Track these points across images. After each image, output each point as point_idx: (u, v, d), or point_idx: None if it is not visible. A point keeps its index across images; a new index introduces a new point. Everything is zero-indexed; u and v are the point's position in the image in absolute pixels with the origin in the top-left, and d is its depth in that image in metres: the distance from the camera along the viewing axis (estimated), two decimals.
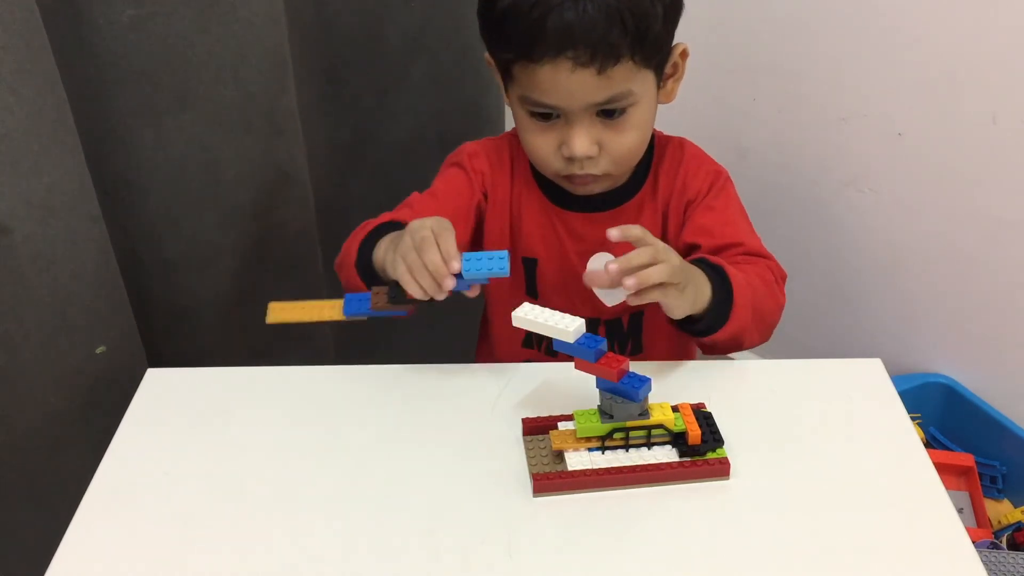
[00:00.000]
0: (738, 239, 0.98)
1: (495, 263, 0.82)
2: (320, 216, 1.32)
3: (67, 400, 1.02)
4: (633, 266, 0.79)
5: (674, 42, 0.96)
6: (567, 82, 0.89)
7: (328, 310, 0.87)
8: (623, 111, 0.92)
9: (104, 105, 1.03)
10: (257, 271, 1.23)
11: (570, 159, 0.94)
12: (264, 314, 0.88)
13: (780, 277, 0.98)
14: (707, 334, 0.89)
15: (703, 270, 0.88)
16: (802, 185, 1.52)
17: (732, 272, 0.90)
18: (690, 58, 0.99)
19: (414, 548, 0.71)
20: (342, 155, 1.38)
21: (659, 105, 0.99)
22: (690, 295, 0.84)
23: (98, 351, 1.03)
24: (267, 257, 1.24)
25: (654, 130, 1.04)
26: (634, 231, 0.82)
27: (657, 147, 1.04)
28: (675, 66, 0.98)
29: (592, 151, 0.93)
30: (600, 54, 0.87)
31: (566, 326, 0.75)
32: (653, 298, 0.81)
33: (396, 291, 0.85)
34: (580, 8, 0.86)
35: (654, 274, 0.80)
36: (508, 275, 0.82)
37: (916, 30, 1.29)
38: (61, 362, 1.00)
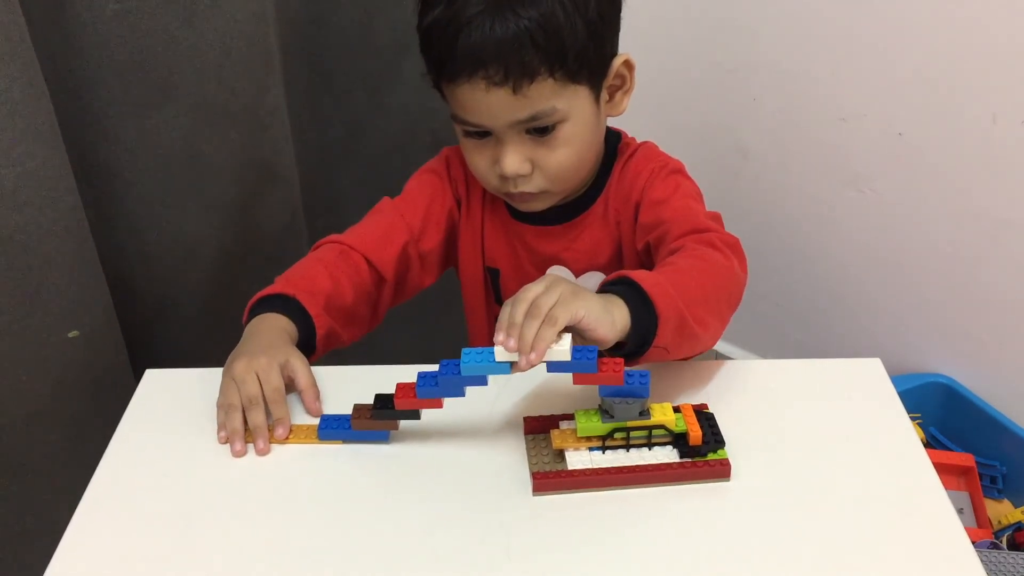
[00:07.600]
0: (673, 223, 0.91)
1: (497, 367, 0.74)
2: (309, 211, 1.32)
3: (39, 379, 1.03)
4: (521, 334, 0.72)
5: (618, 53, 0.93)
6: (485, 101, 0.87)
7: (298, 434, 0.81)
8: (553, 128, 0.90)
9: (87, 97, 1.03)
10: (240, 264, 1.23)
11: (504, 177, 0.92)
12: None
13: (727, 244, 0.89)
14: (647, 343, 0.78)
15: (610, 291, 0.79)
16: (802, 185, 1.52)
17: (639, 275, 0.80)
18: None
19: (413, 546, 0.71)
20: (332, 150, 1.38)
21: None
22: (596, 300, 0.75)
23: (70, 335, 1.03)
24: (251, 251, 1.24)
25: (624, 138, 1.02)
26: (504, 318, 0.74)
27: (619, 157, 1.01)
28: (622, 78, 0.94)
29: (523, 169, 0.91)
30: (513, 73, 0.85)
31: (559, 345, 0.72)
32: (563, 323, 0.73)
33: (383, 407, 0.77)
34: (487, 27, 0.84)
35: (533, 329, 0.72)
36: (509, 372, 0.74)
37: (916, 30, 1.29)
38: (33, 342, 1.01)
